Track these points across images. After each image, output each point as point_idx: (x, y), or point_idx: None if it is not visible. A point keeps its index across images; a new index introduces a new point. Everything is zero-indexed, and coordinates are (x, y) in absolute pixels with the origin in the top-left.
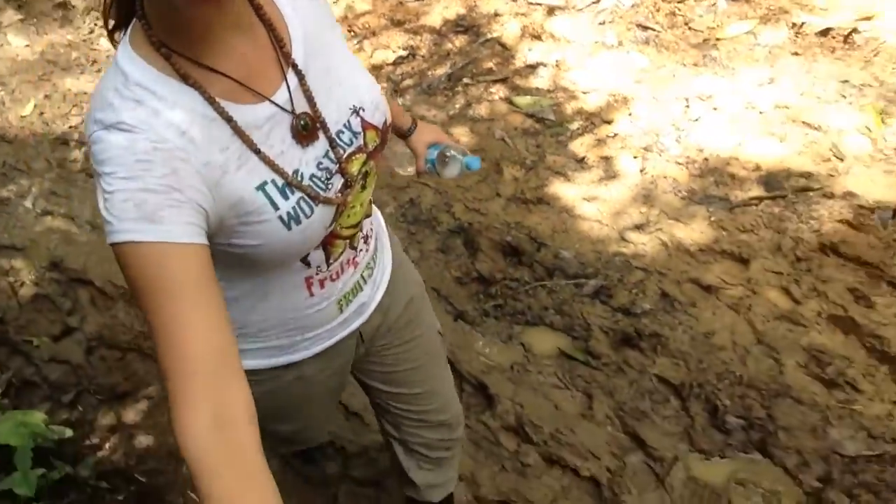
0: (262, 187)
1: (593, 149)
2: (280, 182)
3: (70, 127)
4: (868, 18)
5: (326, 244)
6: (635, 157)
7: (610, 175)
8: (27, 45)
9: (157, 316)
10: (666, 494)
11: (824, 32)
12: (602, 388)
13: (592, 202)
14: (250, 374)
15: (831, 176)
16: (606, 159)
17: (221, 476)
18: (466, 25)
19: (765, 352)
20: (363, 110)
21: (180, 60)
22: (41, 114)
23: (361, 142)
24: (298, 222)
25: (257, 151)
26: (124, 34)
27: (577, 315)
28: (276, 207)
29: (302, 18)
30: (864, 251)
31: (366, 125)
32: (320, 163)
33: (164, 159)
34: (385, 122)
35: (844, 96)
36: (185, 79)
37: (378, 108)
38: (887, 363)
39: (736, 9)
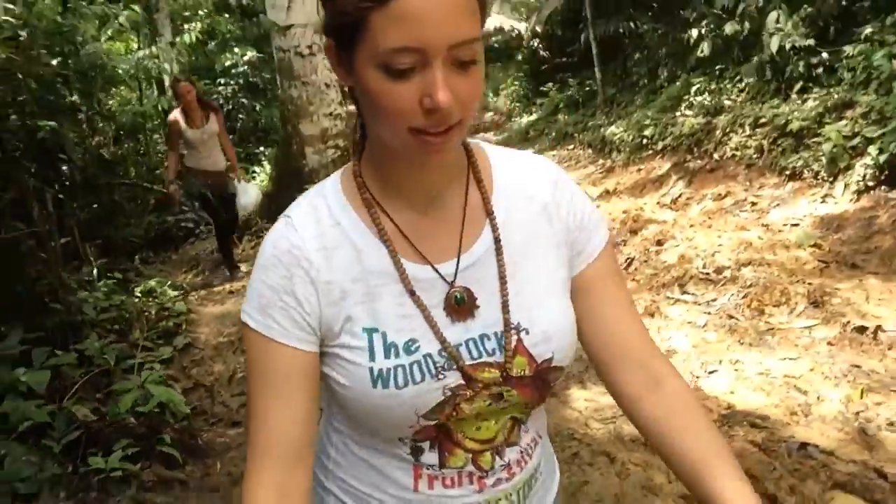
0: (370, 331)
1: None
2: (390, 339)
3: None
4: None
5: (443, 448)
6: None
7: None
8: None
9: (251, 397)
10: None
11: (861, 329)
12: None
13: (577, 399)
14: None
15: (783, 422)
16: None
17: None
18: None
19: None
20: (525, 332)
21: (373, 203)
22: None
23: (502, 360)
24: (386, 386)
25: (412, 292)
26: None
27: None
28: (372, 358)
29: (512, 213)
30: (753, 466)
31: (520, 349)
32: (445, 348)
33: (289, 263)
34: (547, 361)
35: (845, 375)
36: (367, 208)
37: (547, 342)
38: None
39: (812, 312)
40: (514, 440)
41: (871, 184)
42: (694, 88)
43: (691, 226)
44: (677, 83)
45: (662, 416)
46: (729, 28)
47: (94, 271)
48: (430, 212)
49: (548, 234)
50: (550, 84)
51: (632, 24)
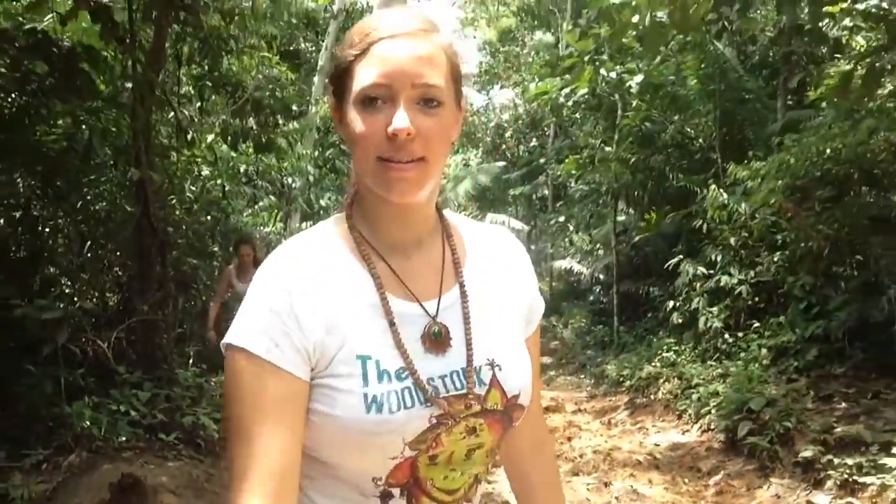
0: (364, 358)
1: None
2: (382, 366)
3: None
4: None
5: (412, 495)
6: None
7: None
8: None
9: (241, 425)
10: None
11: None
12: None
13: None
14: None
15: None
16: None
17: None
18: None
19: None
20: (499, 368)
21: (363, 243)
22: None
23: (482, 393)
24: (380, 411)
25: (391, 323)
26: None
27: None
28: (366, 384)
29: (484, 264)
30: None
31: (494, 382)
32: (431, 378)
33: (291, 287)
34: (515, 396)
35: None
36: (358, 247)
37: (515, 378)
38: None
39: (599, 476)
40: (471, 497)
41: (712, 426)
42: (665, 346)
43: (600, 434)
44: (656, 340)
45: (538, 482)
46: (693, 304)
47: (190, 359)
48: (416, 257)
49: (515, 291)
50: (601, 326)
51: (648, 289)
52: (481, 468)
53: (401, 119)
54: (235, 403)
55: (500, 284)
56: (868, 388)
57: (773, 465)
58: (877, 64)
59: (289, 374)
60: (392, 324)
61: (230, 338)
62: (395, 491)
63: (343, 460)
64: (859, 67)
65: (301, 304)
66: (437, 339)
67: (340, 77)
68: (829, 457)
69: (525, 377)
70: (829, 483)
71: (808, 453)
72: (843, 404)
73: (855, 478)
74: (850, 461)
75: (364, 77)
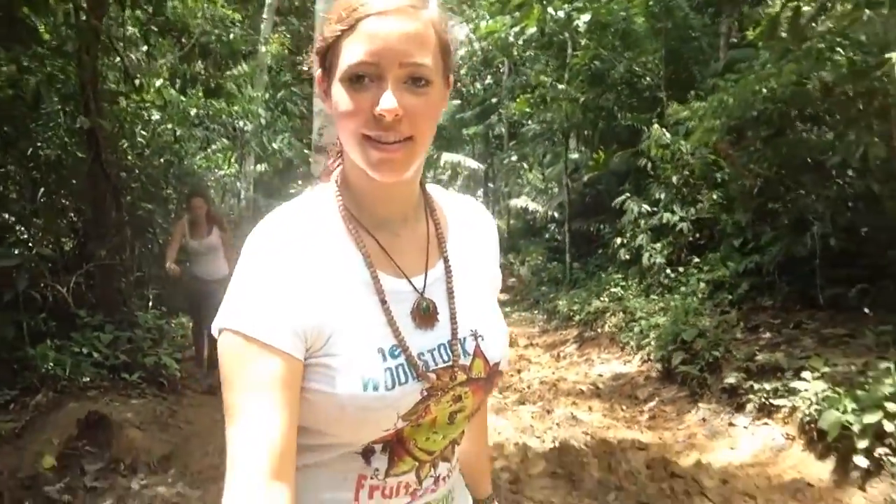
0: (359, 336)
1: None
2: (377, 345)
3: None
4: None
5: (394, 452)
6: None
7: None
8: None
9: (239, 407)
10: None
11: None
12: None
13: None
14: None
15: None
16: None
17: None
18: None
19: None
20: (482, 338)
21: (351, 219)
22: None
23: (467, 363)
24: (376, 389)
25: (383, 301)
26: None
27: None
28: (361, 363)
29: (463, 239)
30: None
31: (478, 352)
32: (421, 353)
33: (285, 267)
34: (496, 364)
35: (522, 428)
36: (347, 223)
37: (496, 346)
38: None
39: (544, 406)
40: (448, 456)
41: (651, 357)
42: (613, 281)
43: (548, 367)
44: (605, 275)
45: (473, 434)
46: (637, 241)
47: (150, 302)
48: (402, 232)
49: (487, 263)
50: (556, 263)
51: (599, 226)
52: (461, 430)
53: (388, 100)
54: (233, 385)
55: (477, 257)
56: (791, 319)
57: (702, 392)
58: (805, 6)
59: (285, 354)
60: (384, 302)
61: (224, 321)
62: (378, 447)
63: (336, 433)
64: (787, 10)
65: (295, 284)
66: (425, 315)
67: (326, 51)
68: (751, 383)
69: (504, 345)
70: (750, 406)
71: (732, 380)
72: (768, 334)
73: (771, 401)
74: (767, 386)
75: (351, 54)
